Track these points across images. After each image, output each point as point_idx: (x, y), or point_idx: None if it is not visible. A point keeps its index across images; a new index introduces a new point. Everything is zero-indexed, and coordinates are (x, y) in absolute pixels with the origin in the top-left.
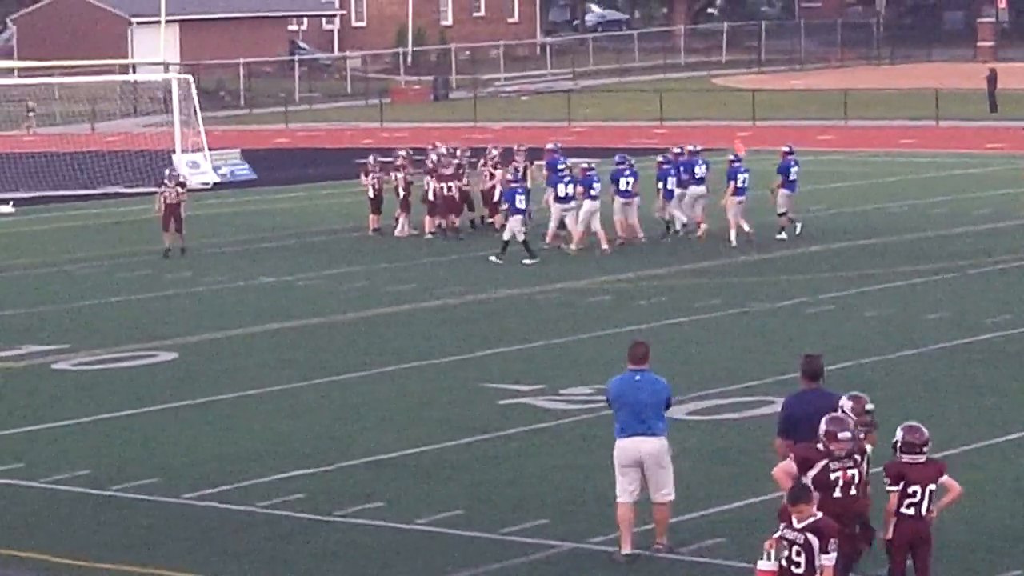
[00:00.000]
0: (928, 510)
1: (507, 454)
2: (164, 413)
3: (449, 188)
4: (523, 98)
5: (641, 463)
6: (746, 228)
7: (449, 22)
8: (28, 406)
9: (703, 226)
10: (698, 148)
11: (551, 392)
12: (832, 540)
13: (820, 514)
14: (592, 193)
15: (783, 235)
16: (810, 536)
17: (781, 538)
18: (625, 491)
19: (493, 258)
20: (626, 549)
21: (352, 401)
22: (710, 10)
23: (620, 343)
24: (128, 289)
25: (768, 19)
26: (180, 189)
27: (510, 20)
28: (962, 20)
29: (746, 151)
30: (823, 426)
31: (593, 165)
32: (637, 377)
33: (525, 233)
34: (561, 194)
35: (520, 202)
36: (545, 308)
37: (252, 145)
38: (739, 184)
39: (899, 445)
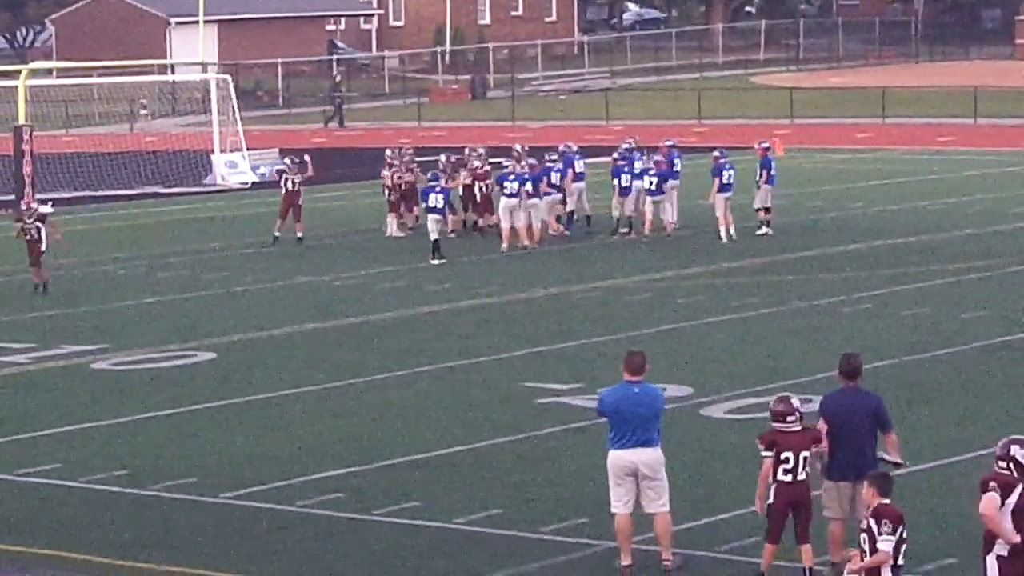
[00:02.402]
0: (804, 474)
1: (545, 453)
2: (203, 413)
3: (483, 188)
4: (561, 97)
5: (637, 474)
6: (730, 231)
7: (487, 21)
8: (67, 406)
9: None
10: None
11: (589, 391)
12: (887, 523)
13: (887, 501)
14: (506, 191)
15: (765, 230)
16: (871, 521)
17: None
18: (621, 501)
19: (434, 262)
20: (626, 560)
21: (391, 400)
22: (748, 8)
23: (659, 342)
24: (167, 289)
25: (806, 17)
26: (40, 225)
27: (548, 19)
28: (1000, 18)
29: (784, 150)
30: (1019, 449)
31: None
32: (636, 389)
33: (440, 233)
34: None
35: (435, 201)
36: (583, 307)
37: (290, 145)
38: (724, 180)
39: (771, 415)
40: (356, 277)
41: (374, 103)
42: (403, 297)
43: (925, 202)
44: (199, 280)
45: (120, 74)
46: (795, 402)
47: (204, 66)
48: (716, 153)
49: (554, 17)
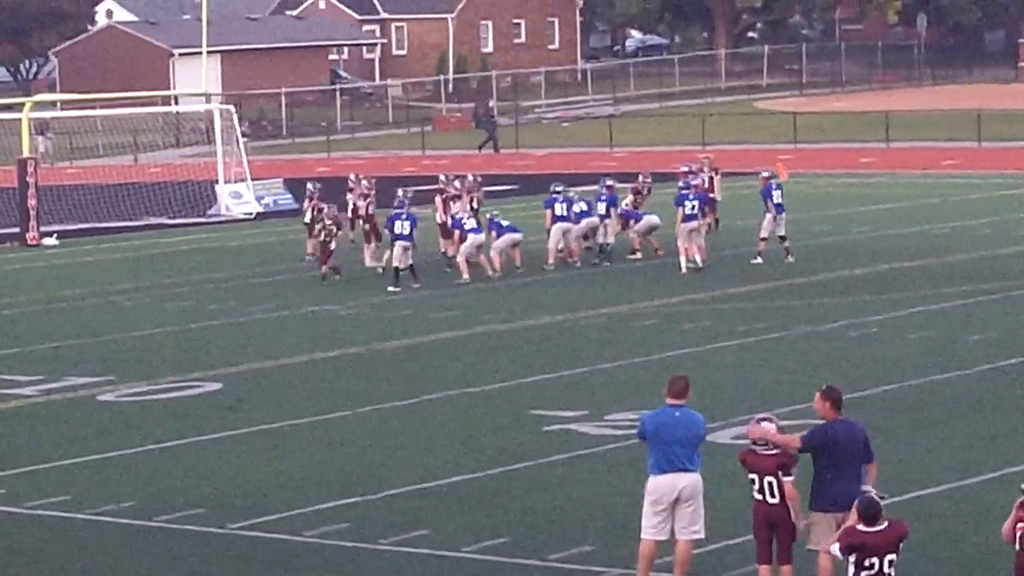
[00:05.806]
0: (775, 496)
1: (552, 481)
2: (209, 443)
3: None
4: (564, 124)
5: (677, 500)
6: (699, 260)
7: (490, 49)
8: (74, 438)
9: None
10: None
11: (596, 418)
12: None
13: (862, 526)
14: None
15: (759, 259)
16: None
17: None
18: (655, 528)
19: (391, 288)
20: None
21: (397, 429)
22: (751, 34)
23: (665, 368)
24: (172, 320)
25: (809, 42)
26: None
27: (550, 46)
28: (1003, 40)
29: (788, 175)
30: None
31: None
32: (677, 413)
33: (404, 261)
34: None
35: (400, 228)
36: (589, 333)
37: (294, 175)
38: (687, 211)
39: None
40: (362, 306)
41: (378, 132)
42: (409, 325)
43: (930, 225)
44: (205, 310)
45: (124, 106)
46: (766, 425)
47: (208, 97)
48: (681, 184)
49: (557, 45)
